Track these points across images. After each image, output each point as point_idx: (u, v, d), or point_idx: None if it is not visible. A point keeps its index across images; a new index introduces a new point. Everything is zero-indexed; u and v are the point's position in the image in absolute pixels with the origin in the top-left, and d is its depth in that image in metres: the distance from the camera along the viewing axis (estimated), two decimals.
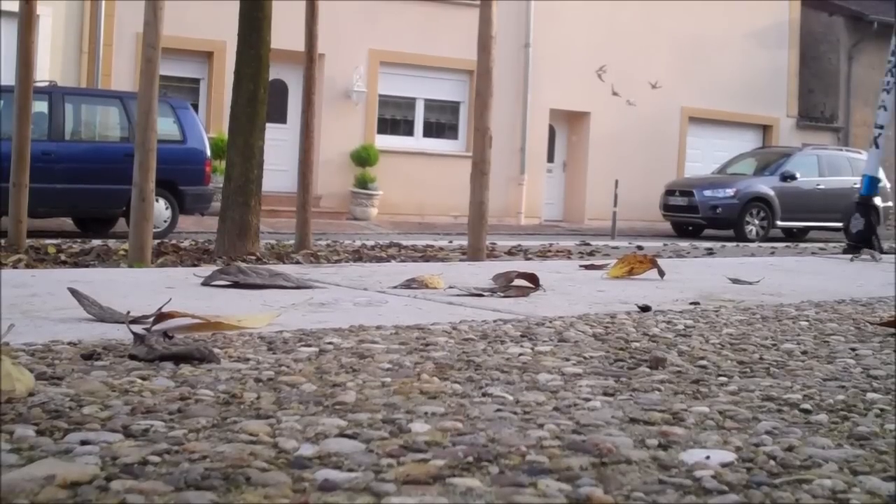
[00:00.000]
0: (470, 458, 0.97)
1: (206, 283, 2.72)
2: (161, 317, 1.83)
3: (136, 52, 14.51)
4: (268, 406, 1.18)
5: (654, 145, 20.68)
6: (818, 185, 17.83)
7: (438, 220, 17.45)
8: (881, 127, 7.86)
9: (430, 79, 18.73)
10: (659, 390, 1.38)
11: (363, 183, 17.48)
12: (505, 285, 2.82)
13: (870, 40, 22.35)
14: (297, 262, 5.68)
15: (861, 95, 22.78)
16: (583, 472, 0.94)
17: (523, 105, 19.23)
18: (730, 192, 17.50)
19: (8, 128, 8.47)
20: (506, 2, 17.11)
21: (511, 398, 1.28)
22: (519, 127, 19.20)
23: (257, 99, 6.48)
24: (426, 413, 1.17)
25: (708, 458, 1.01)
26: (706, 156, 21.31)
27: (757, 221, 17.55)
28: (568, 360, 1.62)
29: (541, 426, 1.12)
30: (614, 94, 20.13)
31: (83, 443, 0.98)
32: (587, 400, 1.29)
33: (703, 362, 1.64)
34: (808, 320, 2.32)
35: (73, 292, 2.03)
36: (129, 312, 1.87)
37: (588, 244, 9.88)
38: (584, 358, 1.64)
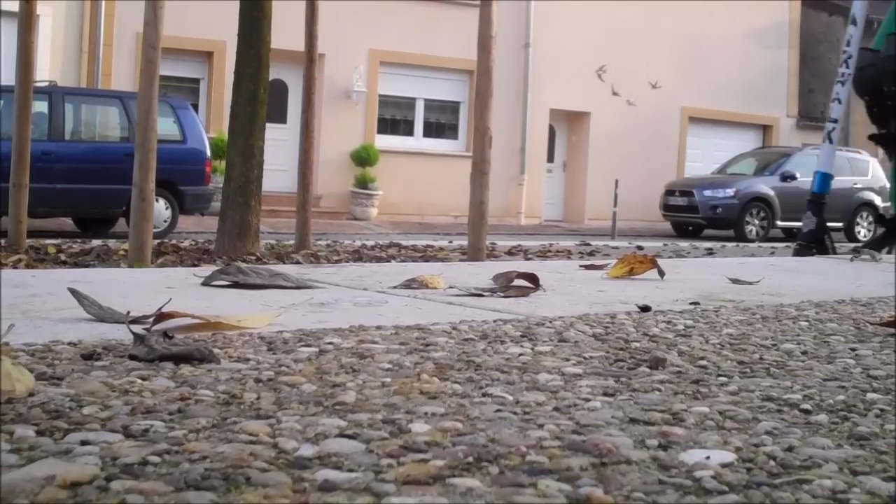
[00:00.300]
0: (470, 459, 0.97)
1: (206, 283, 2.72)
2: (161, 317, 1.83)
3: (136, 52, 14.52)
4: (268, 406, 1.18)
5: (654, 145, 20.69)
6: None
7: (438, 220, 17.45)
8: (835, 121, 7.50)
9: (430, 79, 18.74)
10: (659, 390, 1.38)
11: (363, 183, 17.48)
12: (505, 285, 2.82)
13: (870, 40, 22.35)
14: (297, 262, 5.68)
15: None
16: (583, 473, 0.94)
17: (523, 105, 19.24)
18: (730, 192, 17.51)
19: (8, 128, 8.47)
20: (506, 2, 17.11)
21: (511, 398, 1.28)
22: (519, 127, 19.21)
23: (257, 99, 6.49)
24: (426, 413, 1.17)
25: (708, 458, 1.01)
26: (706, 156, 21.32)
27: (757, 221, 17.55)
28: (568, 360, 1.61)
29: (541, 426, 1.12)
30: (614, 94, 20.14)
31: (83, 443, 0.98)
32: (587, 400, 1.29)
33: (703, 362, 1.64)
34: (808, 320, 2.32)
35: (73, 292, 2.02)
36: (129, 312, 1.87)
37: (588, 244, 9.89)
38: (584, 358, 1.64)
